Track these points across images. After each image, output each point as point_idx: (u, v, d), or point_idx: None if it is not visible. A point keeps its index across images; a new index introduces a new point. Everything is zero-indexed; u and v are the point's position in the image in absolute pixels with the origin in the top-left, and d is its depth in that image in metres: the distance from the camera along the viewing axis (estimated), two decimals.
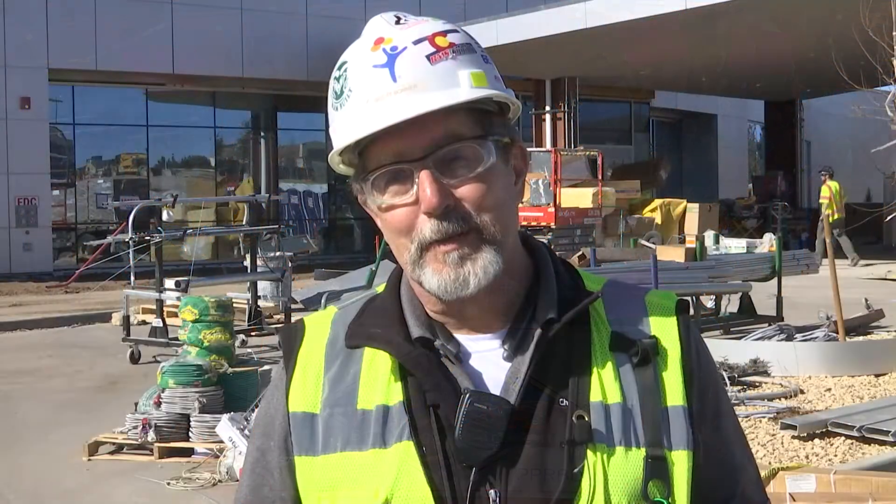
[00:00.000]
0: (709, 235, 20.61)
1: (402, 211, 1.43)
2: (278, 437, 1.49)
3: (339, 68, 1.45)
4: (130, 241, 13.24)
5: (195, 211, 22.72)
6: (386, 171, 1.42)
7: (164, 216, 15.26)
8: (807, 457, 7.01)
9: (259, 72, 26.29)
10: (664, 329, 1.50)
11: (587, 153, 25.60)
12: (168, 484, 7.42)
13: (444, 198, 1.39)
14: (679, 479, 1.42)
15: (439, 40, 1.42)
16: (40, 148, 24.05)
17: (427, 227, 1.41)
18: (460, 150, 1.41)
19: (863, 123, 19.20)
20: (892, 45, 14.35)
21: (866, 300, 13.48)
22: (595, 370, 1.44)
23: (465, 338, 1.47)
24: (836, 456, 7.04)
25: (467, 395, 1.39)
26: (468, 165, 1.41)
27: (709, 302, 13.82)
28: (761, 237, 22.99)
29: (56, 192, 25.43)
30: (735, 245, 20.90)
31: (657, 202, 26.39)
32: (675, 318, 1.51)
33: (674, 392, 1.46)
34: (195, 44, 25.15)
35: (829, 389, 9.30)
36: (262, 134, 29.10)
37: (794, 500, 4.36)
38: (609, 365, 1.45)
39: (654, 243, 18.07)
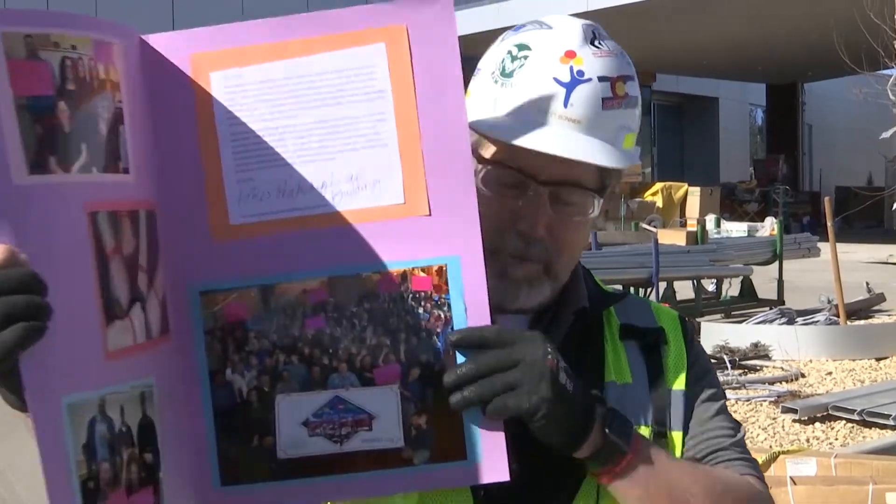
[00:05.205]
0: (710, 219, 20.61)
1: (498, 209, 1.45)
2: None
3: (520, 48, 1.46)
4: None
5: None
6: (506, 170, 1.45)
7: None
8: (807, 440, 7.02)
9: None
10: (669, 324, 1.60)
11: None
12: None
13: (544, 230, 1.45)
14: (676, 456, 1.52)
15: (619, 87, 1.44)
16: None
17: (511, 241, 1.45)
18: (574, 197, 1.45)
19: (864, 107, 19.19)
20: (895, 29, 14.33)
21: (867, 284, 13.48)
22: (608, 355, 1.54)
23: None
24: (836, 440, 7.05)
25: None
26: (573, 211, 1.46)
27: (710, 285, 13.82)
28: (762, 221, 23.00)
29: None
30: (736, 229, 20.92)
31: (658, 185, 26.37)
32: (677, 318, 1.62)
33: (678, 377, 1.54)
34: (196, 26, 25.09)
35: (830, 373, 9.31)
36: None
37: (795, 484, 4.36)
38: (620, 351, 1.55)
39: (655, 227, 18.04)
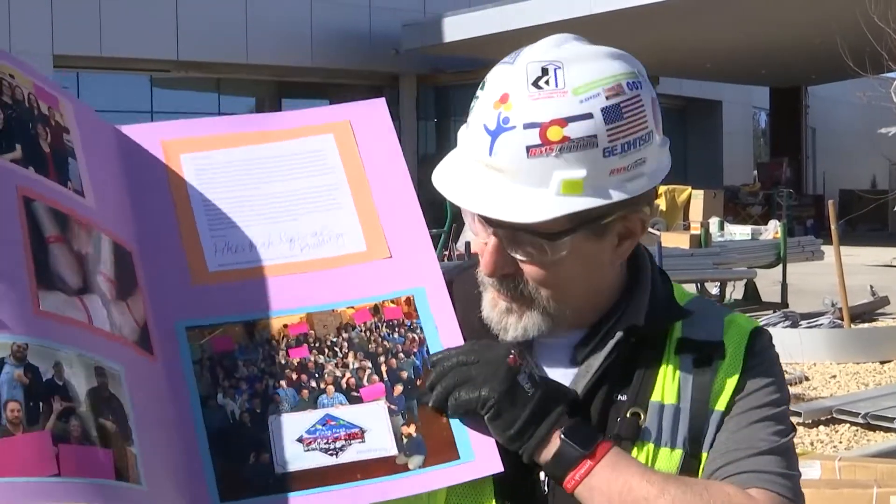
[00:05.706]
0: (713, 222, 20.58)
1: (479, 243, 1.48)
2: None
3: (482, 86, 1.44)
4: None
5: None
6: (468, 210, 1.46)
7: None
8: (812, 444, 7.02)
9: (263, 58, 26.25)
10: (735, 337, 1.53)
11: None
12: None
13: (501, 268, 1.45)
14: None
15: (551, 132, 1.36)
16: None
17: (484, 274, 1.48)
18: (525, 238, 1.42)
19: (868, 110, 19.16)
20: None
21: (871, 287, 13.47)
22: (661, 372, 1.49)
23: None
24: (840, 443, 7.04)
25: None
26: (529, 252, 1.43)
27: (714, 289, 13.81)
28: (766, 224, 22.98)
29: None
30: (740, 232, 20.89)
31: (662, 189, 26.35)
32: (748, 334, 1.54)
33: (722, 397, 1.49)
34: (200, 30, 25.08)
35: (835, 376, 9.30)
36: None
37: None
38: (672, 367, 1.50)
39: (658, 230, 18.03)
